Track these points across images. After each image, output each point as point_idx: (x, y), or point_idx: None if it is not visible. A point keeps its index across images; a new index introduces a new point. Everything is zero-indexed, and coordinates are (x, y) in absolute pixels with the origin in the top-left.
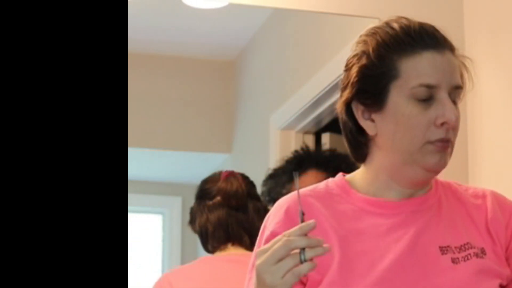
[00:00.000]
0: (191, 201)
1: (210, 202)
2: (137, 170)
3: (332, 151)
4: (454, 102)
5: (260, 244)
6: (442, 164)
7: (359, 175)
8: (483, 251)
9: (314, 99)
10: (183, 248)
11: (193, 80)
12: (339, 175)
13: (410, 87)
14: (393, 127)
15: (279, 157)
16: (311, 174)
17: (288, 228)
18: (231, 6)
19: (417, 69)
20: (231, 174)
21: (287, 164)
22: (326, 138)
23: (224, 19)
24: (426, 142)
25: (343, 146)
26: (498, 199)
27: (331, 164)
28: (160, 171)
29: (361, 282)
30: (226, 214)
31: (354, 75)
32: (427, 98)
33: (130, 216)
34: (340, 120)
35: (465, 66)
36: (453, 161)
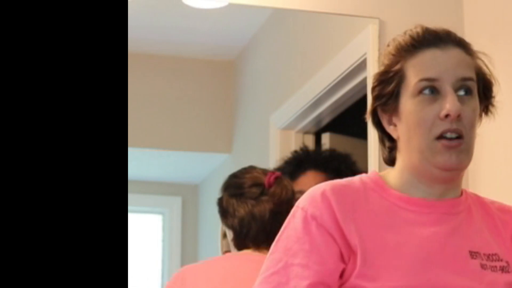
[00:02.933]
0: (191, 201)
1: (256, 202)
2: (137, 170)
3: (331, 152)
4: (468, 93)
5: (290, 222)
6: (453, 162)
7: (391, 173)
8: (508, 265)
9: (314, 99)
10: (183, 248)
11: (193, 80)
12: (373, 171)
13: (413, 84)
14: (406, 127)
15: (279, 157)
16: (310, 175)
17: (328, 217)
18: (231, 6)
19: (418, 66)
20: (280, 177)
21: (286, 165)
22: (326, 138)
23: (224, 19)
24: (434, 139)
25: (343, 146)
26: None
27: (330, 164)
28: (160, 171)
29: (390, 274)
30: (273, 219)
31: (373, 81)
32: (432, 95)
33: (130, 216)
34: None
35: (482, 61)
36: None
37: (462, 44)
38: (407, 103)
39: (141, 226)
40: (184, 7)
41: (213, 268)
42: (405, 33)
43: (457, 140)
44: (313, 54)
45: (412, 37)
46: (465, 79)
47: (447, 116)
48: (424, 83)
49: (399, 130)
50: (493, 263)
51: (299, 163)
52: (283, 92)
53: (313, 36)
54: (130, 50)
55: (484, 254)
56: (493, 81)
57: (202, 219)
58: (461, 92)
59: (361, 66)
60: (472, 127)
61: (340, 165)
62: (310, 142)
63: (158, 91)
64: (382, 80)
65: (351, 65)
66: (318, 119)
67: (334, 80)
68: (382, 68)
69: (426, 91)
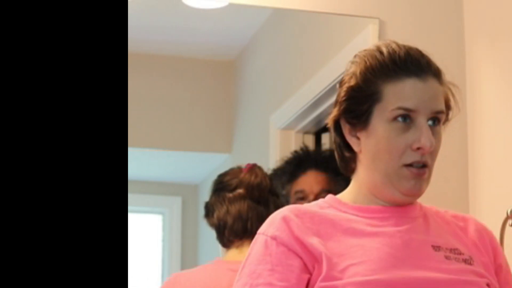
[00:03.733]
0: (191, 201)
1: (231, 194)
2: (137, 170)
3: (331, 151)
4: (436, 123)
5: (253, 249)
6: (417, 190)
7: (347, 191)
8: (471, 259)
9: (314, 99)
10: (183, 248)
11: (193, 80)
12: (328, 196)
13: (390, 110)
14: (373, 147)
15: (279, 157)
16: (310, 175)
17: (286, 234)
18: (231, 6)
19: (398, 93)
20: (254, 166)
21: (287, 165)
22: (326, 138)
23: (224, 19)
24: (402, 166)
25: None
26: (478, 223)
27: (330, 164)
28: (160, 171)
29: (357, 271)
30: (247, 207)
31: (342, 94)
32: (406, 122)
33: (130, 216)
34: (330, 134)
35: (451, 91)
36: (453, 161)
37: (438, 74)
38: (380, 126)
39: (141, 226)
40: (184, 7)
41: (200, 277)
42: (380, 51)
43: (422, 169)
44: (313, 54)
45: (394, 62)
46: (438, 112)
47: (418, 148)
48: (401, 112)
49: (365, 146)
50: (456, 256)
51: (299, 163)
52: (283, 92)
53: (313, 36)
54: (130, 50)
55: (447, 248)
56: (454, 109)
57: (202, 219)
58: (431, 122)
59: None
60: (436, 156)
61: None
62: (310, 142)
63: (158, 91)
64: (355, 97)
65: None
66: (318, 119)
67: (334, 80)
68: (353, 82)
69: (400, 119)
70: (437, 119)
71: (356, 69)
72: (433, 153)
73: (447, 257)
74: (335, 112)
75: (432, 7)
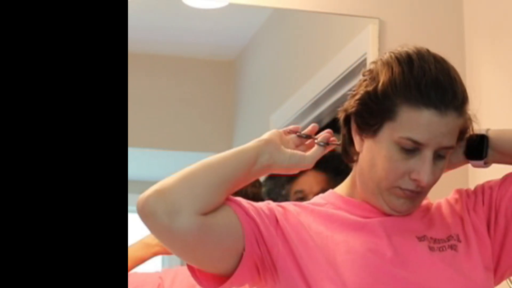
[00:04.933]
0: None
1: None
2: (137, 170)
3: (331, 151)
4: (443, 156)
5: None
6: (405, 208)
7: (344, 183)
8: (458, 239)
9: (314, 99)
10: None
11: (193, 80)
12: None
13: (399, 136)
14: (373, 159)
15: None
16: (310, 174)
17: (282, 214)
18: (231, 6)
19: (411, 123)
20: None
21: None
22: None
23: (224, 19)
24: (397, 186)
25: None
26: (452, 195)
27: (330, 164)
28: (160, 171)
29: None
30: None
31: (358, 96)
32: (411, 150)
33: (130, 216)
34: (339, 121)
35: (471, 120)
36: None
37: (460, 107)
38: (386, 143)
39: (141, 226)
40: (184, 7)
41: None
42: (410, 66)
43: (416, 193)
44: (313, 54)
45: (418, 87)
46: (447, 148)
47: (416, 180)
48: (410, 143)
49: (367, 151)
50: (441, 244)
51: None
52: (283, 92)
53: (313, 36)
54: (130, 50)
55: (431, 238)
56: (470, 132)
57: None
58: (437, 155)
59: (361, 66)
60: (435, 183)
61: (340, 165)
62: None
63: (158, 91)
64: (369, 105)
65: (351, 65)
66: (318, 119)
67: (334, 80)
68: (372, 88)
69: (408, 147)
70: (444, 152)
71: (380, 74)
72: (432, 183)
73: (431, 248)
74: (348, 106)
75: (432, 7)
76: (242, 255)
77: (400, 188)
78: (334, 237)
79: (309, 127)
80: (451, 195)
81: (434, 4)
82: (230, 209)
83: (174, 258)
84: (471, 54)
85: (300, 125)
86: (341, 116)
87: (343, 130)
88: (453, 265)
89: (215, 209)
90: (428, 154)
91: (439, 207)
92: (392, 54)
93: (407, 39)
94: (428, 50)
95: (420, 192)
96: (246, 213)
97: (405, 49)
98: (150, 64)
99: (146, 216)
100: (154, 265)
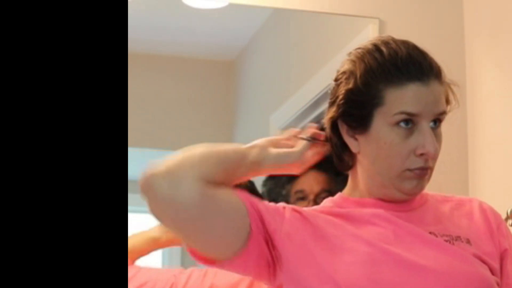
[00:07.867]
0: None
1: None
2: (137, 170)
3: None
4: (438, 124)
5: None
6: (419, 189)
7: (346, 188)
8: (468, 242)
9: (314, 99)
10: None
11: (193, 80)
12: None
13: (393, 114)
14: (374, 151)
15: None
16: (310, 174)
17: (291, 213)
18: (231, 6)
19: (400, 99)
20: None
21: None
22: None
23: (224, 19)
24: (406, 169)
25: None
26: (483, 204)
27: (330, 164)
28: None
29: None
30: None
31: (341, 97)
32: (408, 127)
33: (130, 216)
34: (326, 133)
35: (450, 88)
36: (454, 161)
37: (439, 74)
38: (382, 130)
39: (141, 226)
40: (184, 7)
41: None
42: (380, 51)
43: (424, 170)
44: (313, 54)
45: (395, 65)
46: (440, 113)
47: (422, 154)
48: (404, 116)
49: (364, 148)
50: (448, 238)
51: None
52: (283, 92)
53: (313, 36)
54: (130, 50)
55: (442, 235)
56: (452, 103)
57: None
58: (432, 124)
59: None
60: (437, 156)
61: None
62: None
63: (158, 91)
64: (354, 100)
65: None
66: (318, 119)
67: None
68: (352, 85)
69: (403, 123)
70: (438, 120)
71: (355, 69)
72: (436, 156)
73: (447, 241)
74: (332, 113)
75: (432, 7)
76: (244, 238)
77: (410, 170)
78: (347, 228)
79: (309, 130)
80: (490, 211)
81: (434, 4)
82: (230, 190)
83: (174, 255)
84: (471, 54)
85: (300, 125)
86: (327, 125)
87: (334, 139)
88: (458, 251)
89: (216, 185)
90: (425, 125)
91: (468, 209)
92: (358, 50)
93: (407, 39)
94: (390, 36)
95: (428, 168)
96: (247, 195)
97: (369, 42)
98: (150, 64)
99: (149, 190)
100: (154, 264)
